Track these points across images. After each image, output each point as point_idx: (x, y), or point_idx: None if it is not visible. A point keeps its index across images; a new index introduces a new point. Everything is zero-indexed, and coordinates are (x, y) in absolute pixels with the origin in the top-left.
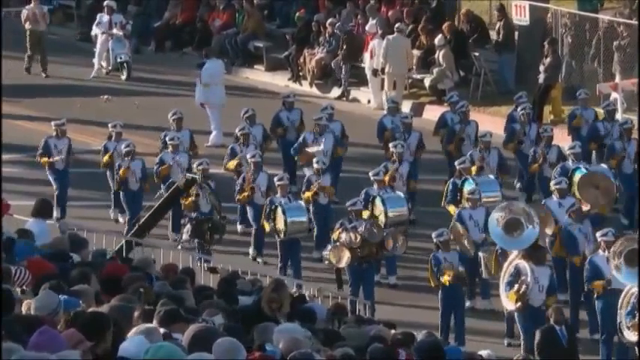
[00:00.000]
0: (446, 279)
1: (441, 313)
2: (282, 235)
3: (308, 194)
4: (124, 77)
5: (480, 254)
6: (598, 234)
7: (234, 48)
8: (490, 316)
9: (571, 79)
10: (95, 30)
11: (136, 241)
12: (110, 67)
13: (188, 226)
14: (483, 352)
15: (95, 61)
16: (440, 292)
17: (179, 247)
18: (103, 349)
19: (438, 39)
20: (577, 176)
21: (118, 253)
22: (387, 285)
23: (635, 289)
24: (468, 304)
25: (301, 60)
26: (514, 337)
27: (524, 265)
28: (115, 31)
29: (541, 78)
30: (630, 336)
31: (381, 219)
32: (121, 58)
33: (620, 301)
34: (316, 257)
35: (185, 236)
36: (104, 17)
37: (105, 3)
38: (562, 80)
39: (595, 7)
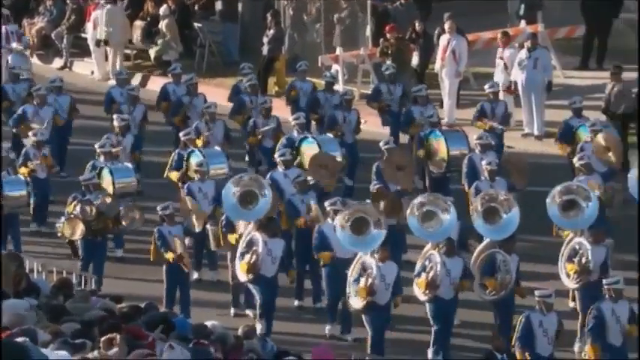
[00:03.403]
0: (170, 256)
1: (166, 287)
2: None
3: (24, 170)
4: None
5: (208, 227)
6: (326, 203)
7: None
8: (217, 287)
9: (294, 50)
10: None
11: None
12: None
13: None
14: (209, 323)
15: None
16: (165, 265)
17: None
18: None
19: (162, 9)
20: (304, 147)
21: None
22: (115, 258)
23: (365, 258)
24: (195, 275)
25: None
26: (239, 307)
27: (257, 236)
28: (14, 45)
29: (265, 49)
30: (356, 303)
31: (109, 190)
32: (23, 75)
33: (350, 270)
34: (34, 230)
35: None
36: None
37: None
38: (285, 52)
39: None
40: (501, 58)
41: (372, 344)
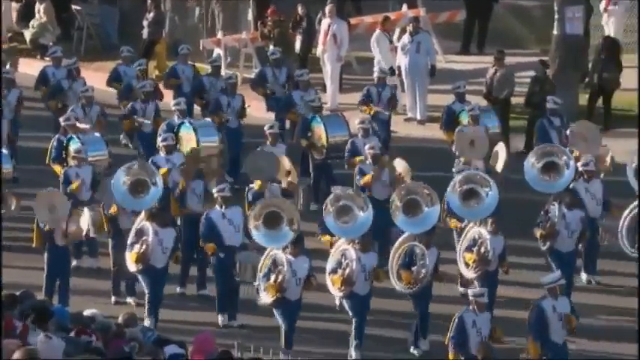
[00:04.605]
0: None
1: (47, 274)
2: None
3: None
4: None
5: (86, 212)
6: (214, 190)
7: None
8: (97, 275)
9: (175, 34)
10: None
11: None
12: None
13: None
14: (89, 311)
15: None
16: (46, 253)
17: None
18: None
19: None
20: (182, 132)
21: None
22: None
23: (276, 253)
24: (74, 263)
25: None
26: (120, 294)
27: (147, 226)
28: None
29: (145, 33)
30: (265, 298)
31: None
32: None
33: (259, 264)
34: None
35: None
36: None
37: None
38: (166, 35)
39: None
40: (391, 41)
41: (285, 336)
